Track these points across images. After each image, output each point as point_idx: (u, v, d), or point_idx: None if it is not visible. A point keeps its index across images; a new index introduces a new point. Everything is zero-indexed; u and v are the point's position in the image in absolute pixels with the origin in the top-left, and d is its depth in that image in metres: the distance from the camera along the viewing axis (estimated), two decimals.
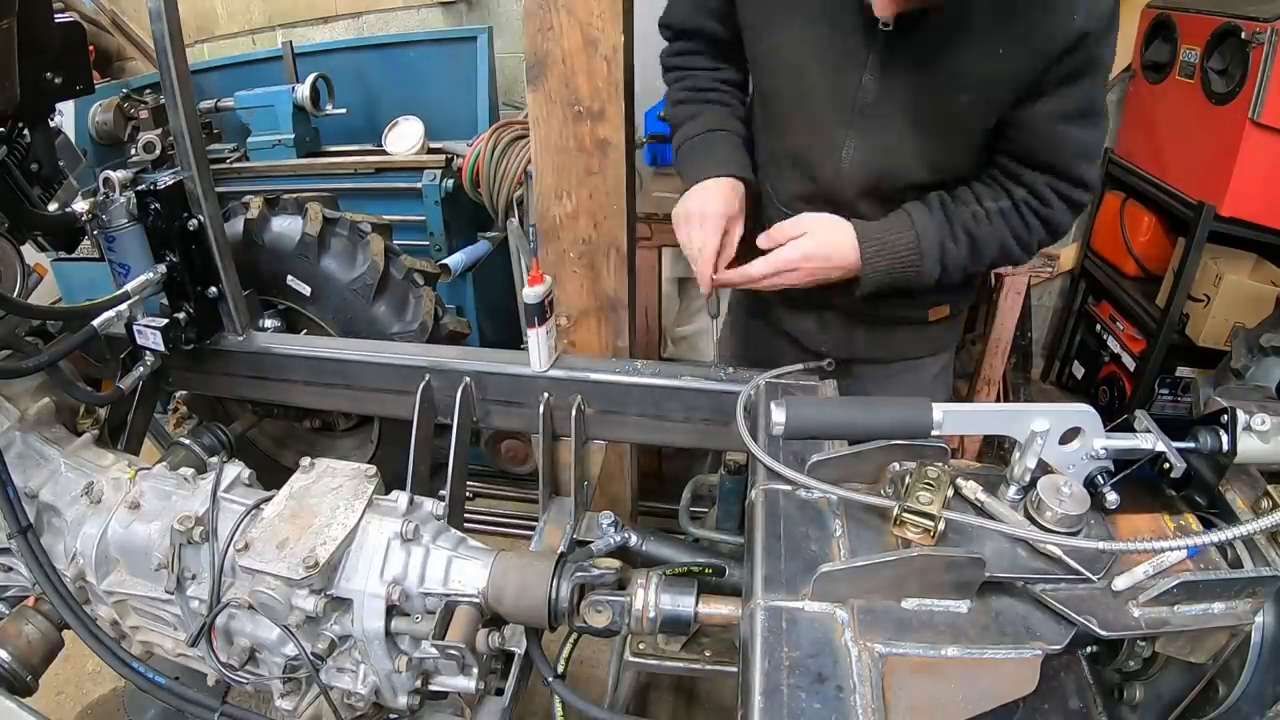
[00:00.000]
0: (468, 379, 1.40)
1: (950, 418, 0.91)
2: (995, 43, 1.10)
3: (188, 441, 1.51)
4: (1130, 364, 3.08)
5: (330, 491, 1.10)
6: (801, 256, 1.23)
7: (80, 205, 1.40)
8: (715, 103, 1.41)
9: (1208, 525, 0.91)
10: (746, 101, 1.46)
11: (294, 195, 2.09)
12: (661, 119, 1.55)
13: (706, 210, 1.28)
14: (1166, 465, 0.91)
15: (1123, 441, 0.92)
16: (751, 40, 1.32)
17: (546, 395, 1.38)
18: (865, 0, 1.11)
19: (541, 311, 1.33)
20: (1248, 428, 0.91)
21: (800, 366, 1.29)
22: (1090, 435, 0.91)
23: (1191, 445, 0.95)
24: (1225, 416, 0.92)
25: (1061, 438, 0.91)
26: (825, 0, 1.18)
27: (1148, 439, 0.92)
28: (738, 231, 1.31)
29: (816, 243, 1.23)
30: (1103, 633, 0.80)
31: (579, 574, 1.03)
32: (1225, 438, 0.92)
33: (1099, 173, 1.21)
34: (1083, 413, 0.90)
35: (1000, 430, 0.91)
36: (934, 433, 0.92)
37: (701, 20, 1.39)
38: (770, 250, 1.26)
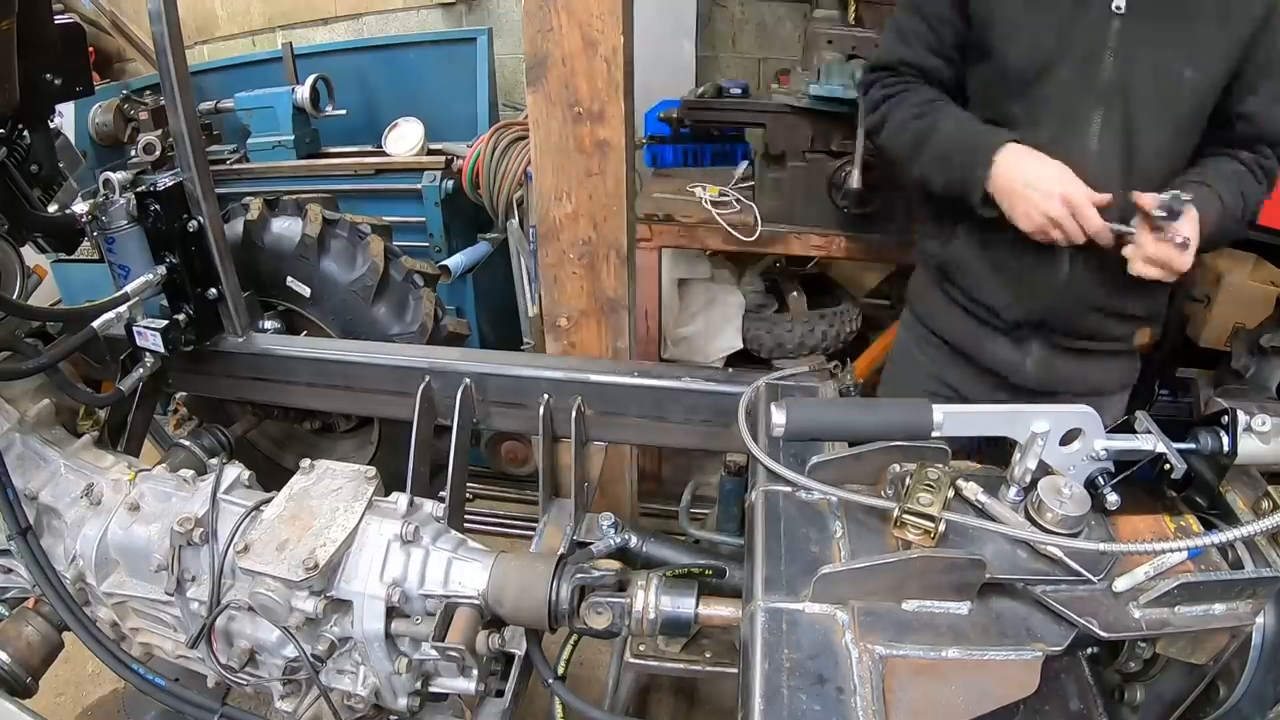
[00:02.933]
0: (468, 380, 1.40)
1: (950, 419, 0.91)
2: (1210, 22, 1.22)
3: (188, 443, 1.51)
4: None
5: (330, 493, 1.10)
6: (1196, 235, 1.24)
7: (80, 207, 1.40)
8: (946, 110, 1.41)
9: (1208, 527, 0.91)
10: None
11: (294, 196, 2.09)
12: (888, 146, 1.50)
13: (1070, 193, 1.25)
14: (1167, 466, 0.91)
15: (1123, 443, 0.92)
16: (995, 43, 1.35)
17: (546, 396, 1.38)
18: None
19: None
20: (1248, 428, 0.91)
21: (805, 369, 1.29)
22: (1090, 436, 0.91)
23: (1192, 446, 0.95)
24: (1225, 417, 0.92)
25: (1062, 439, 0.91)
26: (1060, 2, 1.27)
27: (1148, 440, 0.92)
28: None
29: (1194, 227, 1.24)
30: (1103, 634, 0.80)
31: (579, 576, 1.02)
32: (1226, 439, 0.93)
33: None
34: (1083, 414, 0.90)
35: (1000, 431, 0.91)
36: (934, 434, 0.92)
37: (923, 56, 1.43)
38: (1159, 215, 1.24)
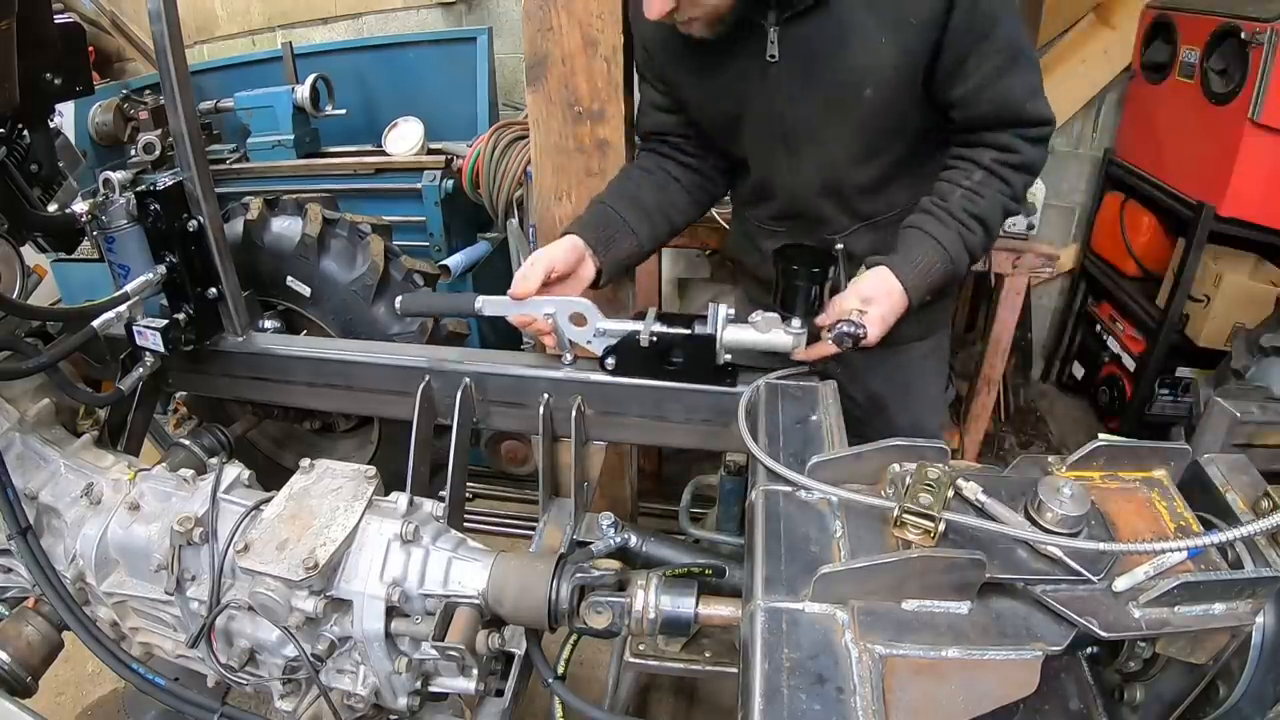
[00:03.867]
0: (468, 380, 1.40)
1: (489, 304, 1.29)
2: (875, 34, 1.18)
3: (187, 442, 1.51)
4: (1130, 364, 3.08)
5: (330, 493, 1.10)
6: (881, 332, 1.22)
7: (80, 206, 1.40)
8: (622, 179, 1.47)
9: (1208, 526, 0.91)
10: (678, 175, 1.48)
11: (294, 196, 2.09)
12: None
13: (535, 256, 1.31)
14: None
15: (616, 324, 1.28)
16: (693, 114, 1.43)
17: (546, 396, 1.38)
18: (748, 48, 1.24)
19: None
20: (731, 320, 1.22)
21: (805, 368, 1.29)
22: (593, 320, 1.28)
23: (685, 331, 1.25)
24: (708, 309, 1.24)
25: (572, 319, 1.27)
26: (722, 56, 1.28)
27: (639, 322, 1.26)
28: (572, 283, 1.34)
29: (881, 313, 1.22)
30: (1103, 634, 0.80)
31: (579, 575, 1.02)
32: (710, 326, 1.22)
33: (1048, 103, 1.28)
34: (582, 303, 1.26)
35: (523, 312, 1.28)
36: (477, 312, 1.29)
37: (661, 121, 1.47)
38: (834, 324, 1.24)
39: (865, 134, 1.31)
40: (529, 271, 1.26)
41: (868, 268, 1.27)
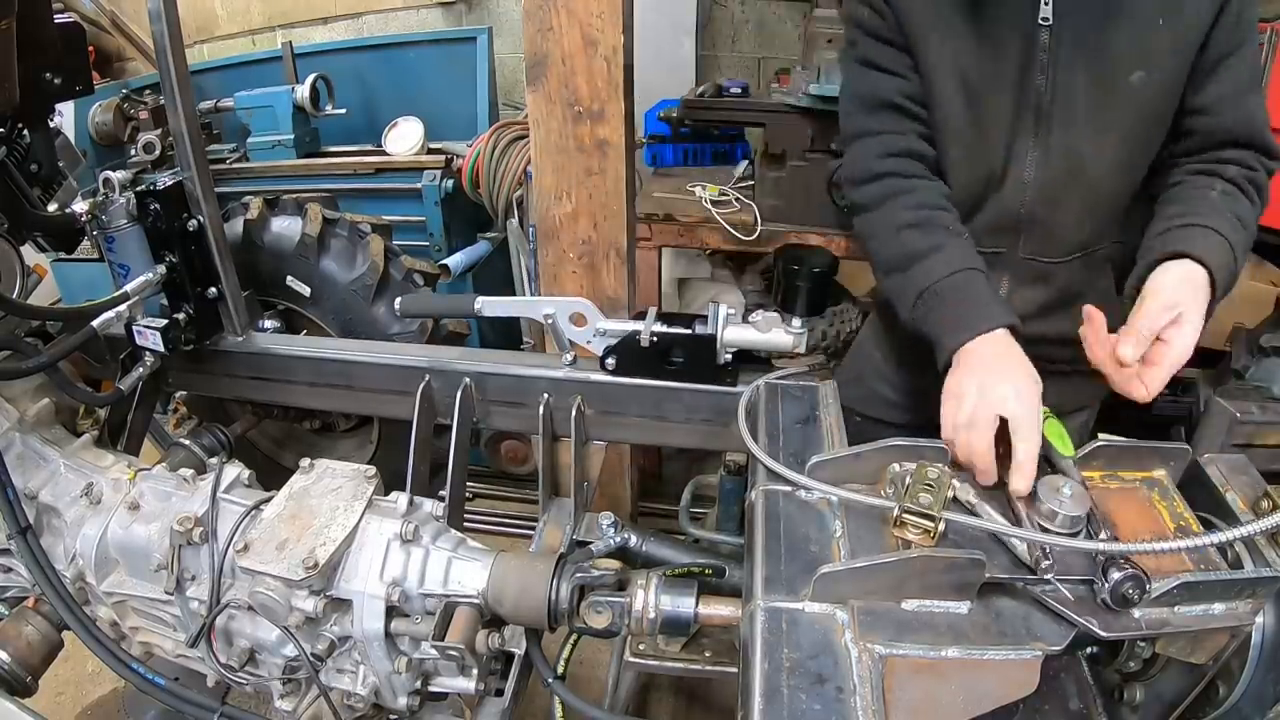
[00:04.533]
0: (467, 379, 1.40)
1: (488, 305, 1.30)
2: (1152, 15, 1.10)
3: (187, 442, 1.51)
4: None
5: (330, 492, 1.10)
6: (1194, 342, 1.00)
7: (80, 206, 1.40)
8: (953, 231, 1.20)
9: (1208, 526, 0.91)
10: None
11: (294, 196, 2.09)
12: (880, 254, 1.28)
13: (1020, 416, 0.96)
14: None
15: (617, 324, 1.29)
16: (938, 81, 1.22)
17: (546, 396, 1.38)
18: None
19: None
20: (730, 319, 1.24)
21: (805, 368, 1.29)
22: (593, 320, 1.28)
23: (686, 331, 1.26)
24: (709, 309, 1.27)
25: (571, 319, 1.29)
26: (978, 15, 1.16)
27: (639, 322, 1.27)
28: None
29: (1197, 319, 1.01)
30: (1103, 634, 0.80)
31: (579, 575, 1.02)
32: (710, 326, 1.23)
33: None
34: (581, 302, 1.28)
35: (524, 314, 1.33)
36: (477, 312, 1.29)
37: (902, 83, 1.24)
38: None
39: (1125, 127, 1.17)
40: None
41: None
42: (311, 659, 1.03)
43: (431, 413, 1.43)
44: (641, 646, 1.54)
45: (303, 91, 2.83)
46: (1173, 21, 1.10)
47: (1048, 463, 0.95)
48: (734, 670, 1.06)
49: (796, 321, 1.20)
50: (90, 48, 3.02)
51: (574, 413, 1.35)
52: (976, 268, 1.15)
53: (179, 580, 1.10)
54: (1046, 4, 1.13)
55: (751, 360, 1.32)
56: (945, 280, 1.13)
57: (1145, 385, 0.99)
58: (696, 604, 1.00)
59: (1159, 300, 1.00)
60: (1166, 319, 0.98)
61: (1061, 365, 1.24)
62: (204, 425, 1.63)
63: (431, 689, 1.11)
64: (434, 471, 1.46)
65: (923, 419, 1.39)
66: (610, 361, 1.32)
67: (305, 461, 1.16)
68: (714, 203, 2.43)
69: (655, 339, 1.26)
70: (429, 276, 2.18)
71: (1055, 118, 1.18)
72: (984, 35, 1.17)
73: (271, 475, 1.24)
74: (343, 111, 2.96)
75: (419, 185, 2.72)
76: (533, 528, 1.48)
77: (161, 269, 1.42)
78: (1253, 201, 1.14)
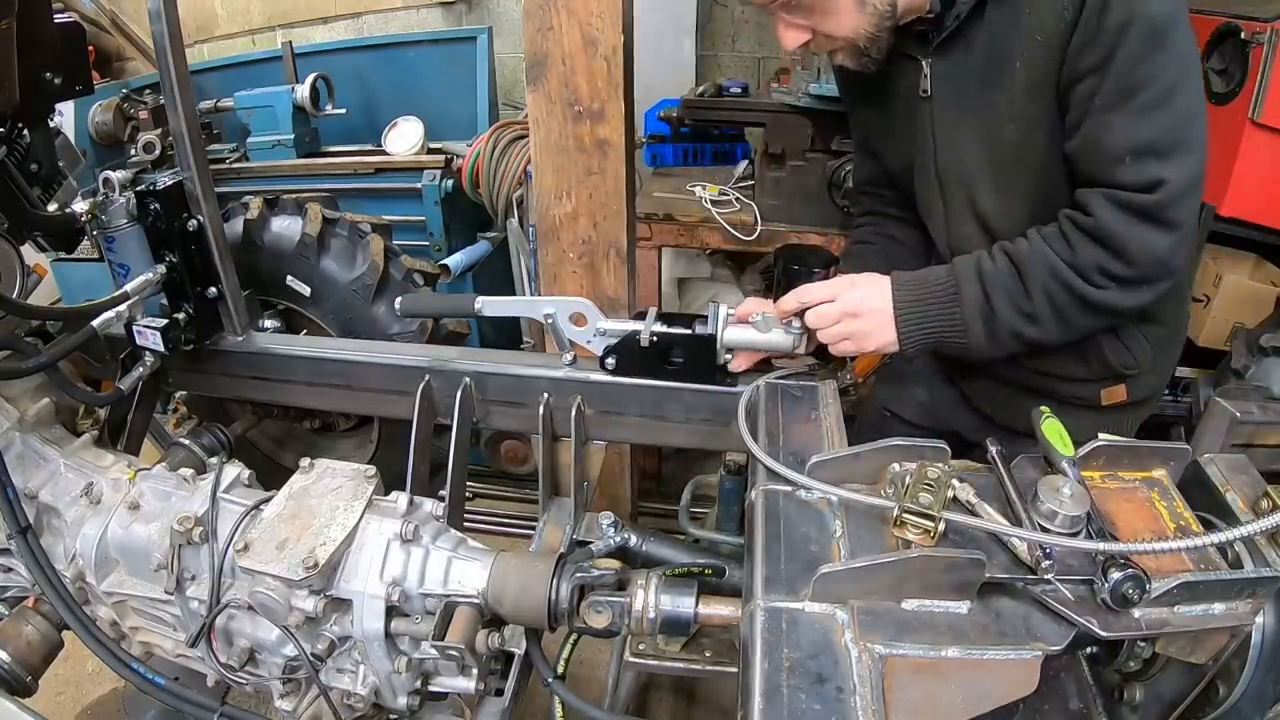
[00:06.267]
0: (467, 379, 1.40)
1: (489, 304, 1.29)
2: (1014, 59, 1.05)
3: (187, 442, 1.51)
4: None
5: (330, 492, 1.10)
6: (841, 313, 1.15)
7: (80, 205, 1.40)
8: (851, 261, 1.43)
9: (1208, 526, 0.91)
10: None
11: (294, 196, 2.09)
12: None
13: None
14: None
15: (617, 324, 1.28)
16: (879, 156, 1.41)
17: (546, 396, 1.37)
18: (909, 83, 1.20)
19: None
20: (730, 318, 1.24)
21: (805, 368, 1.29)
22: (593, 320, 1.28)
23: (685, 331, 1.26)
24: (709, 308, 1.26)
25: (572, 319, 1.28)
26: (879, 92, 1.25)
27: (639, 322, 1.26)
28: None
29: (856, 295, 1.15)
30: (1103, 634, 0.80)
31: (579, 575, 1.02)
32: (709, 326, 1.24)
33: (1178, 169, 0.98)
34: (582, 302, 1.28)
35: (524, 313, 1.33)
36: (477, 312, 1.29)
37: (864, 172, 1.48)
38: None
39: (1024, 183, 1.14)
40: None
41: None
42: (311, 659, 1.03)
43: (431, 413, 1.43)
44: (641, 646, 1.54)
45: (303, 91, 2.83)
46: (1028, 61, 1.04)
47: (1048, 463, 0.96)
48: (734, 670, 1.06)
49: (796, 322, 1.20)
50: (90, 48, 3.02)
51: (574, 413, 1.35)
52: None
53: (179, 580, 1.10)
54: (926, 77, 1.17)
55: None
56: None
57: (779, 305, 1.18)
58: (696, 604, 1.00)
59: (840, 308, 1.15)
60: (840, 336, 1.16)
61: (1067, 393, 1.31)
62: (204, 425, 1.63)
63: (431, 689, 1.11)
64: (434, 471, 1.46)
65: (951, 428, 1.47)
66: (610, 361, 1.32)
67: (305, 461, 1.16)
68: (714, 203, 2.44)
69: (655, 339, 1.26)
70: (429, 276, 2.18)
71: (953, 182, 1.23)
72: (883, 111, 1.28)
73: (271, 475, 1.24)
74: (343, 111, 2.96)
75: (419, 185, 2.72)
76: (533, 528, 1.48)
77: (161, 269, 1.42)
78: (1069, 242, 1.06)
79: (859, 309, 1.15)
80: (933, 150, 1.24)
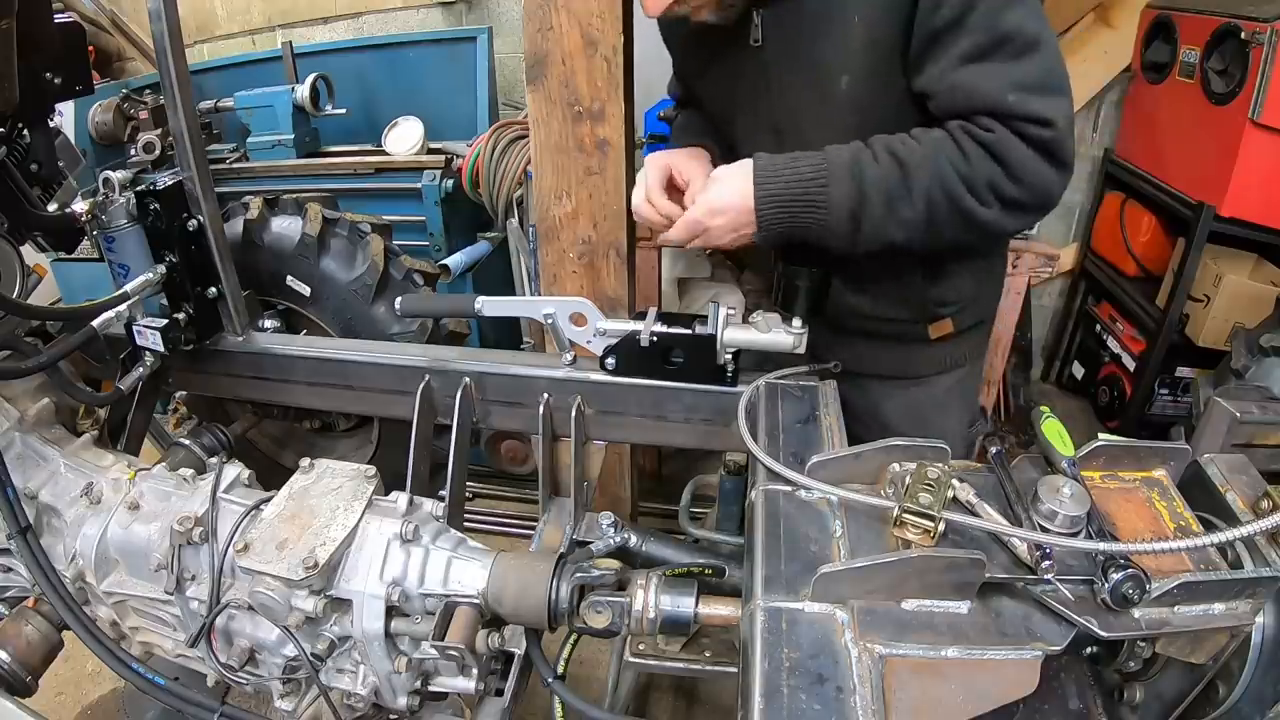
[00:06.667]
0: (468, 379, 1.40)
1: (488, 304, 1.29)
2: (849, 16, 1.07)
3: (187, 442, 1.51)
4: (1130, 364, 3.08)
5: (330, 492, 1.10)
6: (707, 212, 1.15)
7: (80, 206, 1.40)
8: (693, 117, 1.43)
9: (1208, 526, 0.91)
10: None
11: (294, 196, 2.09)
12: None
13: (646, 161, 1.27)
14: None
15: (617, 324, 1.28)
16: (700, 102, 1.40)
17: (546, 395, 1.37)
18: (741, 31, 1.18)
19: None
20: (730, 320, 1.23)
21: (804, 369, 1.29)
22: (593, 320, 1.28)
23: (686, 331, 1.26)
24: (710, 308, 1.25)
25: (573, 319, 1.29)
26: (716, 43, 1.23)
27: (638, 322, 1.27)
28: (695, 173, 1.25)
29: (715, 191, 1.14)
30: (1103, 633, 0.80)
31: (579, 575, 1.02)
32: (710, 326, 1.23)
33: (1062, 107, 1.03)
34: (581, 302, 1.28)
35: (524, 313, 1.36)
36: (477, 312, 1.28)
37: (684, 95, 1.47)
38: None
39: (850, 130, 1.13)
40: (646, 181, 1.24)
41: None
42: (311, 659, 1.03)
43: (431, 413, 1.43)
44: (641, 646, 1.54)
45: (303, 91, 2.83)
46: (866, 17, 1.06)
47: (1048, 463, 0.96)
48: (734, 670, 1.06)
49: (796, 321, 1.20)
50: (90, 48, 3.02)
51: (574, 413, 1.35)
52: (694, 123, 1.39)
53: (179, 580, 1.10)
54: (757, 26, 1.16)
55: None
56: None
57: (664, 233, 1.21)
58: (696, 604, 1.00)
59: (693, 213, 1.16)
60: (692, 234, 1.17)
61: (893, 331, 1.39)
62: (204, 425, 1.63)
63: (431, 689, 1.11)
64: (434, 471, 1.46)
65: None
66: (610, 361, 1.32)
67: (305, 461, 1.16)
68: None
69: (655, 339, 1.26)
70: (429, 276, 2.18)
71: (787, 133, 1.23)
72: (710, 58, 1.27)
73: (271, 475, 1.24)
74: (343, 111, 2.97)
75: (419, 185, 2.72)
76: (533, 528, 1.48)
77: (161, 269, 1.42)
78: (965, 154, 1.04)
79: (725, 195, 1.13)
80: (767, 98, 1.22)
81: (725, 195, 1.13)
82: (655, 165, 1.26)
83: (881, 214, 1.08)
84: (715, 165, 1.24)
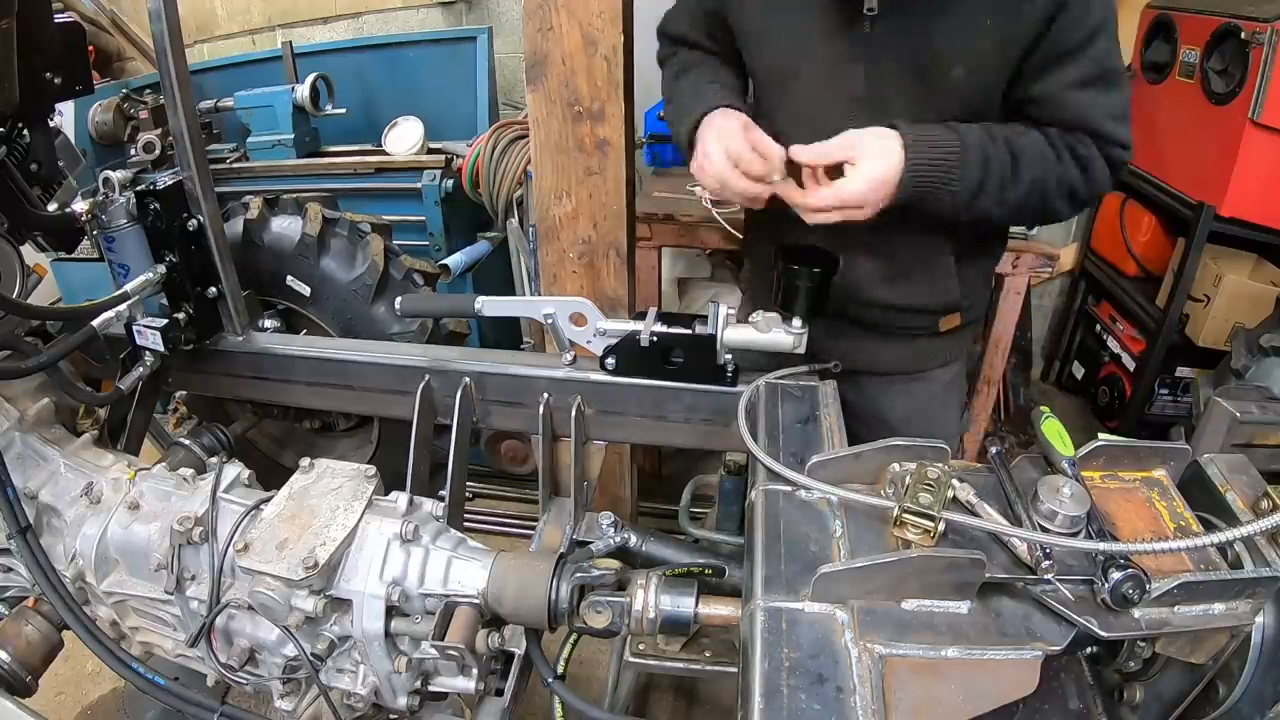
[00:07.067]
0: (467, 379, 1.40)
1: (489, 304, 1.29)
2: (980, 14, 1.11)
3: (187, 442, 1.51)
4: (1130, 364, 3.08)
5: (330, 492, 1.10)
6: (871, 185, 1.11)
7: (80, 205, 1.40)
8: (708, 68, 1.35)
9: (1208, 526, 0.91)
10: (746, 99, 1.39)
11: (294, 195, 2.09)
12: (661, 118, 1.47)
13: (722, 128, 1.18)
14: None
15: (616, 324, 1.28)
16: (747, 49, 1.33)
17: (546, 395, 1.37)
18: None
19: None
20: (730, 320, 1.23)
21: (804, 369, 1.29)
22: (593, 320, 1.28)
23: (686, 331, 1.26)
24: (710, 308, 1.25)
25: (573, 319, 1.28)
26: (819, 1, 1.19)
27: (638, 322, 1.27)
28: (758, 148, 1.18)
29: (876, 166, 1.11)
30: (1103, 633, 0.80)
31: (579, 575, 1.02)
32: (709, 326, 1.24)
33: (1131, 133, 1.20)
34: (581, 302, 1.28)
35: (524, 313, 1.34)
36: (477, 312, 1.28)
37: (697, 35, 1.39)
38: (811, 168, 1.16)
39: (943, 117, 1.18)
40: (729, 148, 1.16)
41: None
42: (311, 659, 1.03)
43: (431, 413, 1.43)
44: (641, 646, 1.54)
45: (303, 91, 2.83)
46: (1001, 23, 1.11)
47: (1048, 463, 0.96)
48: (734, 670, 1.06)
49: (796, 322, 1.20)
50: (90, 48, 3.02)
51: (574, 413, 1.35)
52: (714, 80, 1.30)
53: (179, 580, 1.10)
54: None
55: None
56: (682, 94, 1.31)
57: (808, 200, 1.15)
58: (696, 604, 1.00)
59: (843, 138, 1.13)
60: (841, 154, 1.12)
61: (907, 327, 1.42)
62: (204, 425, 1.63)
63: (431, 689, 1.11)
64: (434, 471, 1.46)
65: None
66: (610, 361, 1.32)
67: (305, 461, 1.16)
68: (714, 202, 2.43)
69: (655, 339, 1.26)
70: (429, 276, 2.18)
71: (871, 107, 1.20)
72: (806, 15, 1.21)
73: (271, 475, 1.24)
74: (343, 111, 2.96)
75: (419, 185, 2.72)
76: (533, 528, 1.48)
77: (161, 269, 1.42)
78: (1061, 160, 1.17)
79: (884, 172, 1.12)
80: (862, 68, 1.20)
81: (885, 170, 1.12)
82: (734, 134, 1.17)
83: (994, 195, 1.17)
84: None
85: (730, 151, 1.17)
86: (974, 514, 0.88)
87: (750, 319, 1.22)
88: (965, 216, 1.20)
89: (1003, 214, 1.23)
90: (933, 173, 1.13)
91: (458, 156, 2.73)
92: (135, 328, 1.42)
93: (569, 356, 1.37)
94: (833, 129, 1.18)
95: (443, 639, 0.98)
